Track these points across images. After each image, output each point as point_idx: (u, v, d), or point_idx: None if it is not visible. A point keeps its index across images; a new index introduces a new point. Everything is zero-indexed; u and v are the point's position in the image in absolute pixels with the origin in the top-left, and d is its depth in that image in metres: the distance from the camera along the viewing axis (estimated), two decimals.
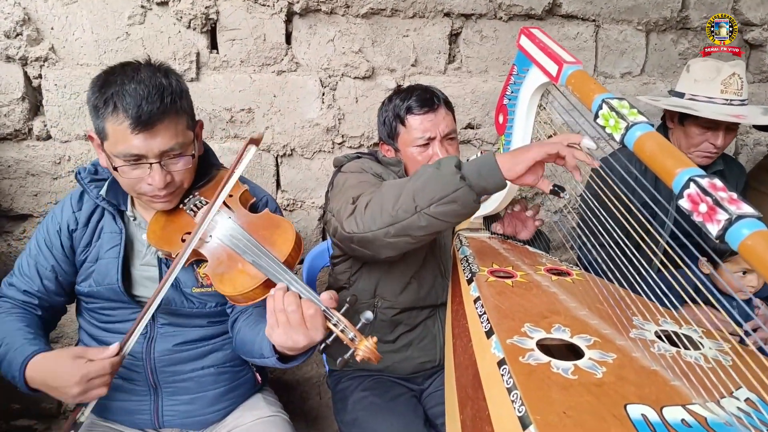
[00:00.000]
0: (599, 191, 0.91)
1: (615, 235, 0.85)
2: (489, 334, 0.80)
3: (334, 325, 0.90)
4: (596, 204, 0.90)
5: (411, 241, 1.03)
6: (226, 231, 1.03)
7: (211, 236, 1.04)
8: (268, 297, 0.92)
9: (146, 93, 0.97)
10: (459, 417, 0.78)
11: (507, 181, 0.96)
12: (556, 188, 0.97)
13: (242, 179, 1.19)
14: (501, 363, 0.72)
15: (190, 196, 1.13)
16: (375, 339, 0.88)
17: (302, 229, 1.90)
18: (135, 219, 1.17)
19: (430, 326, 1.41)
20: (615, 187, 0.87)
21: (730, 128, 1.58)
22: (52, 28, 1.57)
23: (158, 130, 0.99)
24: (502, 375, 0.70)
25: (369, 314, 0.90)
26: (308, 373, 2.02)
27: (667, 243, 0.81)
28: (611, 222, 0.87)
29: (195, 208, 1.11)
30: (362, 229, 1.04)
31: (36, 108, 1.63)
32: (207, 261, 1.03)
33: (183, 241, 1.05)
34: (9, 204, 1.64)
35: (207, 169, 1.18)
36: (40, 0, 1.54)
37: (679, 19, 2.06)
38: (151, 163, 1.01)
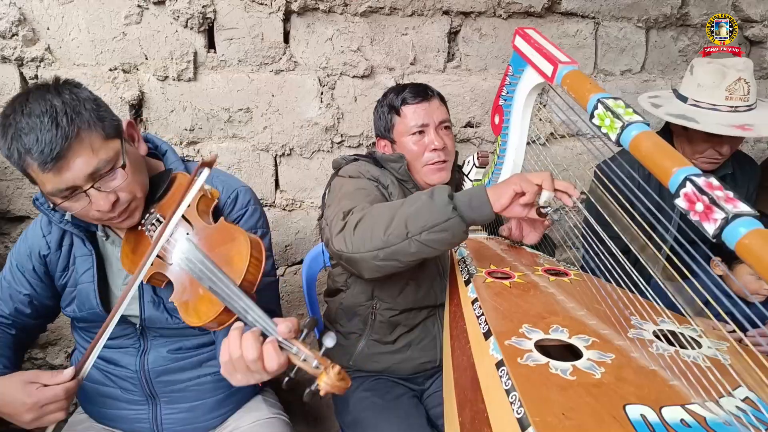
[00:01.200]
0: (603, 196, 0.90)
1: (619, 242, 0.85)
2: (487, 335, 0.80)
3: (295, 354, 0.81)
4: (599, 209, 0.89)
5: (398, 266, 1.03)
6: (183, 254, 0.89)
7: (172, 259, 0.96)
8: (223, 344, 0.83)
9: (38, 124, 0.87)
10: (458, 419, 0.77)
11: (495, 215, 0.98)
12: (540, 209, 0.99)
13: (213, 174, 1.11)
14: (499, 364, 0.72)
15: (147, 215, 1.04)
16: (337, 368, 0.78)
17: (301, 229, 1.89)
18: (108, 237, 1.10)
19: (429, 327, 1.41)
20: (618, 194, 0.86)
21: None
22: (48, 28, 1.56)
23: (71, 158, 0.89)
24: (501, 376, 0.69)
25: (331, 339, 0.79)
26: (309, 374, 2.01)
27: (671, 249, 0.79)
28: (615, 228, 0.87)
29: (152, 227, 1.03)
30: (350, 250, 1.04)
31: None
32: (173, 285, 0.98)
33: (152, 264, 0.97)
34: (6, 206, 1.64)
35: (164, 176, 1.09)
36: (35, 0, 1.53)
37: (679, 15, 2.05)
38: (85, 191, 0.93)
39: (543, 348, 0.76)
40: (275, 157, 1.82)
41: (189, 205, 0.97)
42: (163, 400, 1.17)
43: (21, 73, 1.56)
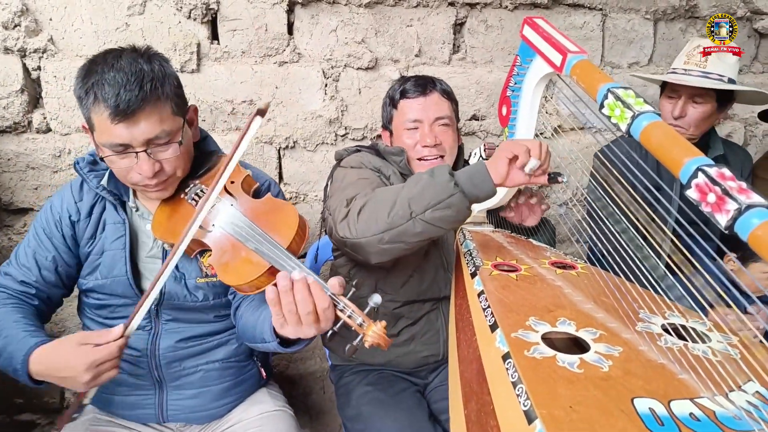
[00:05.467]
0: (602, 180, 0.90)
1: (622, 224, 0.84)
2: (493, 327, 0.79)
3: (341, 310, 0.87)
4: (600, 193, 0.89)
5: (404, 248, 1.03)
6: (228, 219, 1.00)
7: (213, 225, 1.01)
8: (269, 293, 0.87)
9: (125, 81, 0.94)
10: (463, 411, 0.77)
11: (497, 188, 0.99)
12: (552, 175, 1.00)
13: (244, 164, 1.16)
14: (506, 357, 0.71)
15: (191, 185, 1.10)
16: (384, 323, 0.85)
17: None
18: (137, 210, 1.14)
19: (432, 320, 1.40)
20: (618, 175, 0.85)
21: (694, 100, 1.57)
22: (50, 19, 1.55)
23: (139, 118, 0.96)
24: (507, 369, 0.69)
25: (377, 297, 0.86)
26: (311, 368, 2.01)
27: (674, 231, 0.79)
28: (616, 211, 0.86)
29: (196, 197, 1.08)
30: (355, 235, 1.04)
31: (35, 100, 1.62)
32: (211, 251, 1.01)
33: None
34: (9, 198, 1.63)
35: (206, 157, 1.16)
36: None
37: (687, 7, 2.03)
38: (137, 152, 0.98)
39: (550, 341, 0.75)
40: (279, 150, 1.81)
41: (232, 181, 1.05)
42: (170, 386, 1.17)
43: (24, 64, 1.55)
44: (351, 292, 0.89)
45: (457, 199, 0.96)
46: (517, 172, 0.99)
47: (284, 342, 0.98)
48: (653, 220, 0.83)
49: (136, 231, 1.14)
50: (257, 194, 1.13)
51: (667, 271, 0.77)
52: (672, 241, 0.73)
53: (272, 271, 0.93)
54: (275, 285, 0.86)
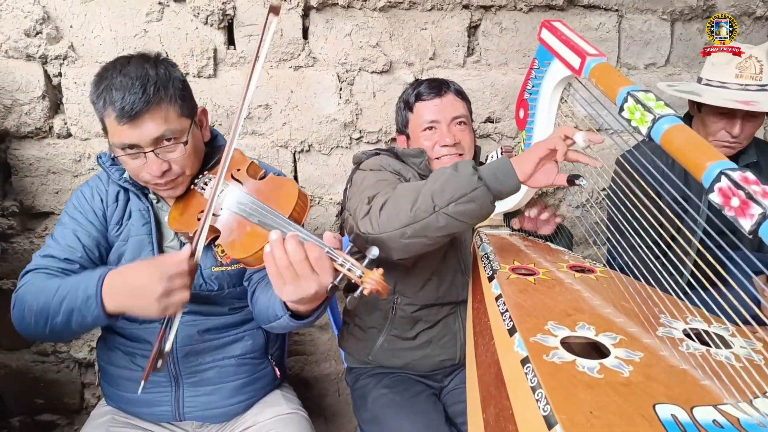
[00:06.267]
0: (625, 187, 0.88)
1: (645, 235, 0.82)
2: (512, 332, 0.79)
3: (341, 265, 0.88)
4: (623, 201, 0.87)
5: (427, 242, 1.03)
6: (233, 199, 1.04)
7: (221, 209, 1.04)
8: (267, 256, 0.88)
9: (130, 84, 1.00)
10: (482, 415, 0.76)
11: (521, 185, 0.98)
12: (571, 177, 0.99)
13: (261, 164, 1.19)
14: (524, 361, 0.70)
15: (200, 176, 1.15)
16: (381, 270, 0.86)
17: (320, 225, 1.89)
18: (158, 201, 1.19)
19: (450, 324, 1.40)
20: (643, 183, 0.84)
21: (751, 116, 1.46)
22: (71, 26, 1.58)
23: (144, 120, 1.01)
24: (526, 373, 0.68)
25: (375, 250, 0.87)
26: (327, 370, 2.02)
27: (701, 241, 0.77)
28: (640, 220, 0.84)
29: (205, 186, 1.13)
30: (377, 230, 1.04)
31: (56, 106, 1.64)
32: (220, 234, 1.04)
33: (199, 219, 1.04)
34: (31, 202, 1.66)
35: (215, 153, 1.19)
36: None
37: (705, 7, 2.00)
38: (145, 152, 1.04)
39: (568, 345, 0.75)
40: (294, 154, 1.82)
41: (238, 169, 1.10)
42: (187, 382, 1.19)
43: (45, 71, 1.58)
44: (349, 248, 0.90)
45: (480, 193, 0.95)
46: (542, 174, 0.98)
47: (295, 315, 1.00)
48: (679, 230, 0.82)
49: (158, 221, 1.18)
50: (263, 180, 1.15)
51: (694, 281, 0.75)
52: (698, 251, 0.72)
53: None
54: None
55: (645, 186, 0.83)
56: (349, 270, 0.88)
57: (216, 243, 1.14)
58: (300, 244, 0.87)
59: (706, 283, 0.70)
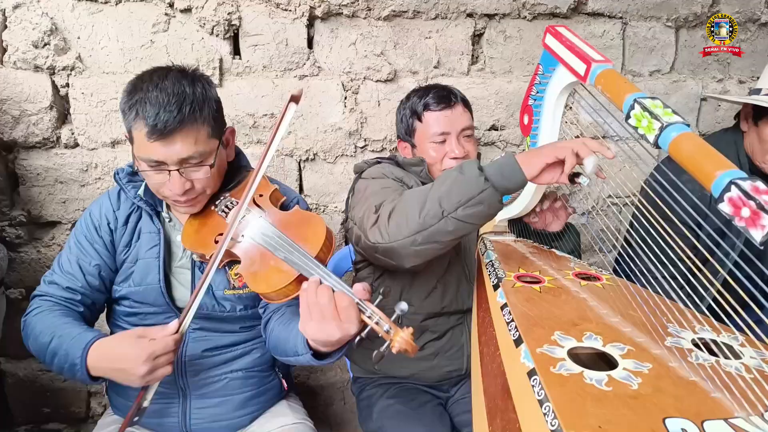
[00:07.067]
0: (656, 213, 0.83)
1: (668, 262, 0.79)
2: (518, 342, 0.78)
3: (369, 317, 0.87)
4: (648, 231, 0.83)
5: (438, 248, 1.02)
6: (258, 229, 1.02)
7: (243, 236, 1.03)
8: (301, 291, 0.90)
9: (165, 101, 0.97)
10: (488, 428, 0.76)
11: (528, 181, 0.97)
12: (572, 175, 0.97)
13: (271, 180, 1.18)
14: (531, 373, 0.69)
15: (221, 198, 1.14)
16: (411, 329, 0.85)
17: None
18: (170, 221, 1.18)
19: (457, 335, 1.39)
20: (675, 218, 0.78)
21: None
22: (78, 38, 1.60)
23: (175, 139, 0.99)
24: (533, 386, 0.67)
25: (404, 305, 0.86)
26: (332, 378, 2.01)
27: (730, 272, 0.72)
28: (667, 250, 0.80)
29: (226, 209, 1.11)
30: (387, 240, 1.03)
31: (63, 116, 1.66)
32: (240, 261, 1.03)
33: (216, 242, 1.05)
34: (38, 211, 1.67)
35: (237, 172, 1.19)
36: (66, 10, 1.57)
37: (710, 14, 1.99)
38: (170, 170, 1.02)
39: (576, 356, 0.74)
40: (299, 162, 1.82)
41: (261, 194, 1.09)
42: (194, 395, 1.19)
43: (53, 82, 1.60)
44: (378, 300, 0.89)
45: (488, 194, 0.95)
46: (547, 173, 0.96)
47: (316, 355, 0.99)
48: (706, 261, 0.79)
49: (168, 241, 1.17)
50: (285, 207, 1.15)
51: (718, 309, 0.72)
52: (725, 281, 0.69)
53: (300, 279, 0.94)
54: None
55: (681, 213, 0.77)
56: (377, 323, 0.87)
57: (232, 267, 1.13)
58: (330, 291, 0.88)
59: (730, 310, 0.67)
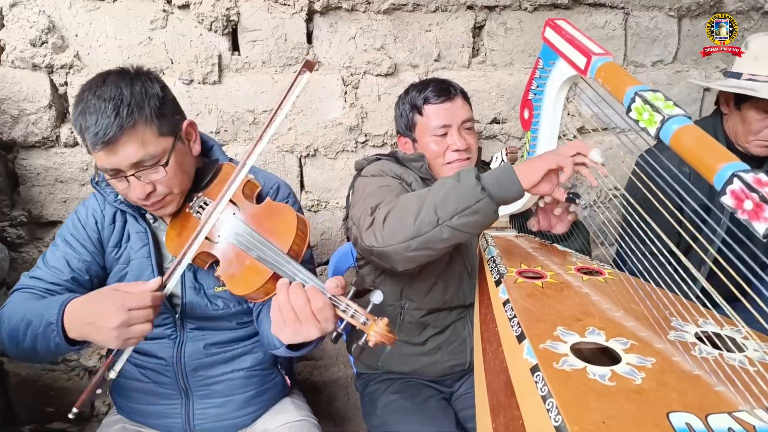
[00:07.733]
0: (644, 190, 0.84)
1: (658, 241, 0.80)
2: (520, 338, 0.77)
3: (343, 311, 0.87)
4: (640, 202, 0.84)
5: (431, 254, 1.03)
6: (231, 228, 1.00)
7: (219, 236, 1.02)
8: (274, 297, 0.89)
9: (102, 108, 0.94)
10: (491, 424, 0.75)
11: (525, 192, 0.98)
12: (570, 195, 0.99)
13: (254, 169, 1.15)
14: (534, 369, 0.69)
15: (195, 198, 1.10)
16: (386, 320, 0.84)
17: (327, 230, 1.89)
18: (155, 221, 1.17)
19: (459, 329, 1.39)
20: (658, 191, 0.81)
21: None
22: (76, 35, 1.59)
23: (119, 145, 0.95)
24: (536, 382, 0.67)
25: (378, 295, 0.85)
26: (336, 374, 2.01)
27: (719, 250, 0.74)
28: (656, 228, 0.81)
29: (200, 209, 1.08)
30: (381, 243, 1.03)
31: (63, 115, 1.65)
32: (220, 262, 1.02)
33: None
34: (39, 211, 1.67)
35: (208, 167, 1.15)
36: (64, 8, 1.56)
37: (712, 3, 1.98)
38: (127, 176, 0.99)
39: (579, 351, 0.73)
40: (300, 158, 1.81)
41: (236, 189, 1.02)
42: (197, 395, 1.19)
43: (51, 80, 1.59)
44: (351, 292, 0.88)
45: (484, 204, 0.95)
46: (546, 184, 0.97)
47: (292, 346, 0.99)
48: (696, 238, 0.79)
49: (157, 241, 1.16)
50: (260, 198, 1.11)
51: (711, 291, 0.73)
52: (715, 260, 0.70)
53: (276, 277, 0.94)
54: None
55: (669, 190, 0.80)
56: (352, 317, 0.86)
57: (216, 269, 1.11)
58: (303, 292, 0.86)
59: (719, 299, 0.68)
